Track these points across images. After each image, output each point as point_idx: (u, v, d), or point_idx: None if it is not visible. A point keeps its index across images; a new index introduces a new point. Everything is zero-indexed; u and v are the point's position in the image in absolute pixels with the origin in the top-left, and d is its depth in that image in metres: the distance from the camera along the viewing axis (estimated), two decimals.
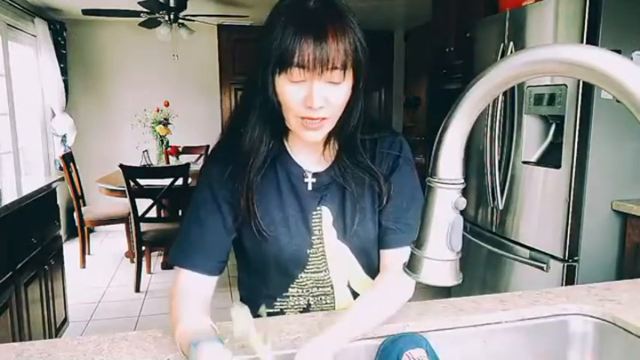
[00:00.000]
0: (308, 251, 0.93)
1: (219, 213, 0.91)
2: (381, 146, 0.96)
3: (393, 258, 0.92)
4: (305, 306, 0.96)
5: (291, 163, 0.95)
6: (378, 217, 0.95)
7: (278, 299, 0.96)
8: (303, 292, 0.95)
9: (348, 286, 0.97)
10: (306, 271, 0.94)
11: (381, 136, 0.96)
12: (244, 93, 0.93)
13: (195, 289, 0.88)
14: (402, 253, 0.89)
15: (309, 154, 0.95)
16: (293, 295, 0.96)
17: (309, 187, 0.94)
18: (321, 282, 0.95)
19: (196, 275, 0.89)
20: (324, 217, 0.93)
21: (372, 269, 0.97)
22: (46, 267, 2.42)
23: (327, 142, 0.93)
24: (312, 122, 0.83)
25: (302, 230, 0.92)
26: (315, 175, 0.94)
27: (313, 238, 0.93)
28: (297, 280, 0.94)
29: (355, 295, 0.97)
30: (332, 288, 0.96)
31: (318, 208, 0.93)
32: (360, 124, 0.90)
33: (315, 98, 0.79)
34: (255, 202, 0.89)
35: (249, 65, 0.91)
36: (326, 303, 0.96)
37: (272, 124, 0.89)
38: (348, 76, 0.82)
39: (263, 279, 0.96)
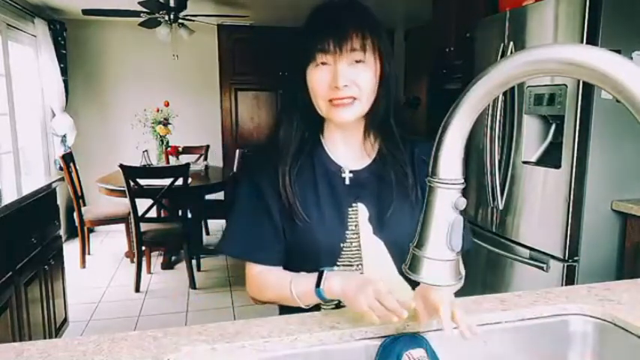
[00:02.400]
0: (342, 245, 0.95)
1: (267, 208, 0.96)
2: (420, 151, 1.00)
3: None
4: (337, 300, 0.96)
5: (328, 160, 0.98)
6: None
7: None
8: None
9: None
10: (338, 264, 0.95)
11: (417, 140, 1.01)
12: (282, 97, 1.04)
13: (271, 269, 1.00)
14: None
15: (347, 150, 0.99)
16: None
17: (347, 182, 0.97)
18: None
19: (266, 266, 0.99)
20: (361, 213, 0.96)
21: None
22: (46, 267, 2.42)
23: (364, 136, 0.98)
24: (341, 101, 0.89)
25: (337, 225, 0.95)
26: (352, 171, 0.98)
27: (347, 232, 0.95)
28: None
29: None
30: None
31: (354, 204, 0.96)
32: (392, 112, 0.96)
33: (339, 77, 0.88)
34: (296, 196, 0.94)
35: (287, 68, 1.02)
36: None
37: (305, 120, 0.96)
38: (370, 60, 0.90)
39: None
